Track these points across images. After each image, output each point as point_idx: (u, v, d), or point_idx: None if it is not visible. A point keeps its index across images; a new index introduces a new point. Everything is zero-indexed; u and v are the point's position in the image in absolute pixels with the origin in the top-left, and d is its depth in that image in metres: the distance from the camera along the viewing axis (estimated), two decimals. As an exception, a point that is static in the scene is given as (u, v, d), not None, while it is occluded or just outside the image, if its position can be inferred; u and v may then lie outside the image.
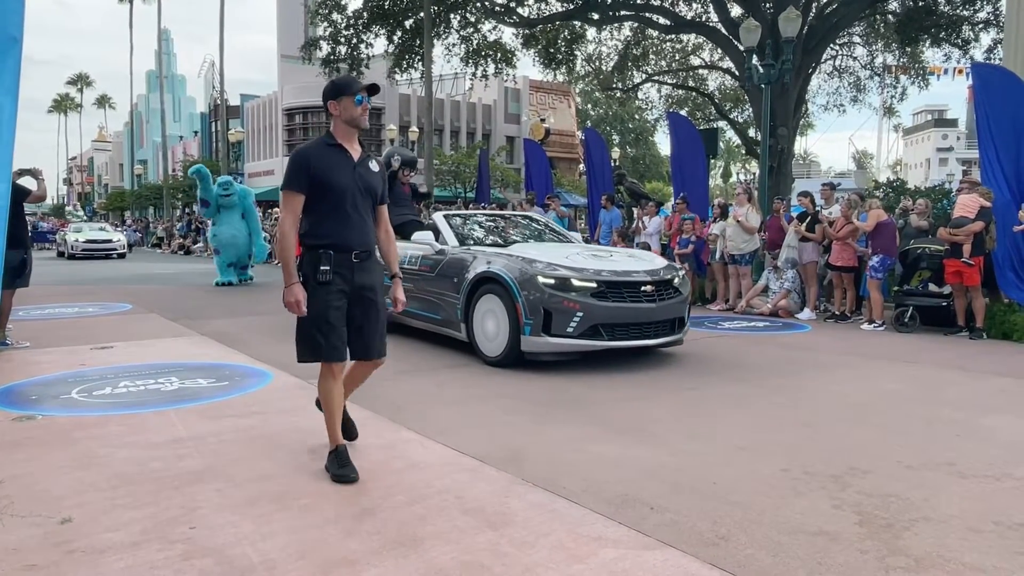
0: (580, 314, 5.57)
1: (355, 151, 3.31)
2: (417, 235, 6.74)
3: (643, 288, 5.86)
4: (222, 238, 13.24)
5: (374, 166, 3.37)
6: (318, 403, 3.71)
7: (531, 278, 5.65)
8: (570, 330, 5.59)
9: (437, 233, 6.85)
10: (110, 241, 24.84)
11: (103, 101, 78.34)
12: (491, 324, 5.91)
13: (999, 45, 18.19)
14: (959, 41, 20.24)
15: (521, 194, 23.50)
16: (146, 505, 2.93)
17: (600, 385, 5.22)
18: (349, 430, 3.68)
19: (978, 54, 19.77)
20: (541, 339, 5.58)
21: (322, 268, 3.17)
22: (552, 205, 13.39)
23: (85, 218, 35.96)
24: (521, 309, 5.60)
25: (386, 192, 3.45)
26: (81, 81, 77.30)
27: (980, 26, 19.65)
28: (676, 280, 6.23)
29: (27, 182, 6.67)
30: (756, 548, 2.60)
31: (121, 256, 24.41)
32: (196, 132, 55.80)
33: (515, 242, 6.96)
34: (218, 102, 38.52)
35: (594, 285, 5.68)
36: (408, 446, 3.77)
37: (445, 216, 7.39)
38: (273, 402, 4.68)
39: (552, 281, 5.63)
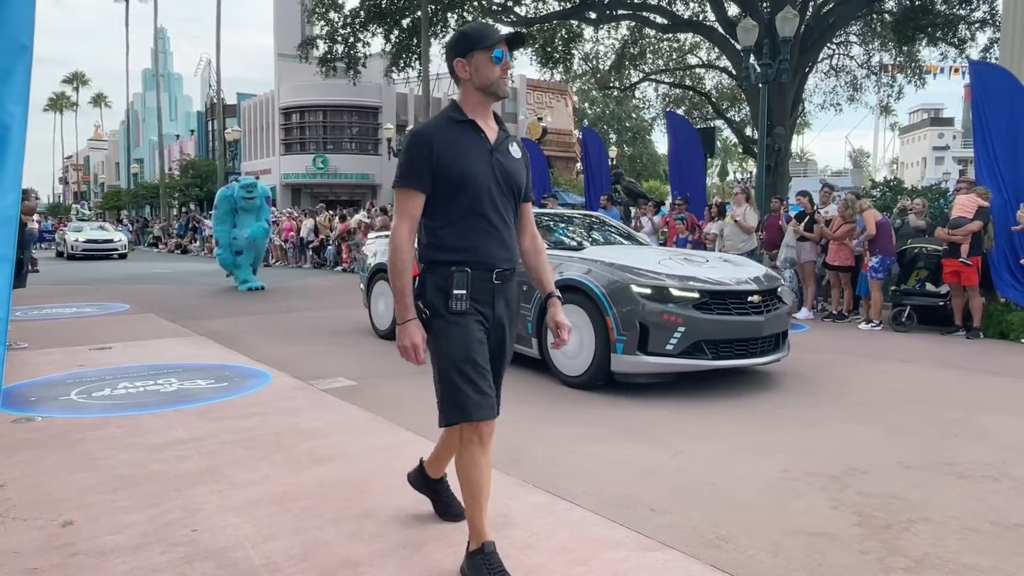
0: (682, 329, 4.85)
1: (491, 130, 2.42)
2: None
3: (750, 299, 5.16)
4: (245, 239, 12.71)
5: (515, 150, 2.47)
6: (414, 478, 2.90)
7: (624, 287, 4.96)
8: (670, 348, 4.88)
9: None
10: (111, 241, 24.33)
11: (99, 100, 78.11)
12: (572, 340, 4.93)
13: (995, 44, 18.24)
14: (955, 40, 20.29)
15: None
16: (147, 507, 2.93)
17: (599, 386, 5.22)
18: (449, 504, 2.84)
19: (974, 53, 19.82)
20: (636, 358, 4.88)
21: (456, 292, 2.30)
22: (549, 204, 13.40)
23: (91, 217, 35.38)
24: (612, 323, 4.92)
25: (530, 186, 2.57)
26: (77, 80, 77.05)
27: (976, 25, 19.70)
28: (779, 289, 5.67)
29: None
30: (756, 549, 2.61)
31: (122, 256, 23.93)
32: (193, 131, 55.70)
33: (586, 244, 6.27)
34: (215, 101, 38.42)
35: (696, 295, 4.98)
36: (409, 447, 3.76)
37: None
38: (273, 403, 4.68)
39: (649, 291, 4.93)
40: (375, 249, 7.88)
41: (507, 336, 2.46)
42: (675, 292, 4.96)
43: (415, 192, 2.32)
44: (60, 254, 24.54)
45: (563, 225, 6.96)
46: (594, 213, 8.40)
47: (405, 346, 2.29)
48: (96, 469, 3.39)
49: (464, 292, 2.31)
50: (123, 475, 3.31)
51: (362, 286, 8.07)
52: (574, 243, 6.34)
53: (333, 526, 2.77)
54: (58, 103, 77.89)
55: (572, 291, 5.19)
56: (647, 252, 6.00)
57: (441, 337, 2.31)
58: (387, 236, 7.91)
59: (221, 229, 12.85)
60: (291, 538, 2.66)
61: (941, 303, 8.22)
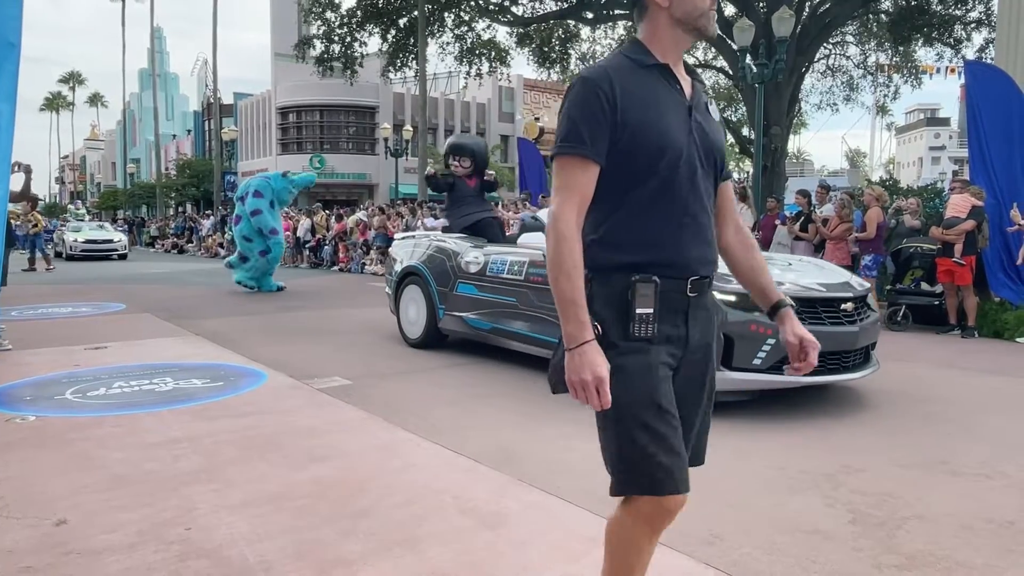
0: (772, 341, 4.28)
1: (685, 81, 1.72)
2: (526, 237, 5.69)
3: (843, 306, 4.66)
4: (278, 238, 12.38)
5: (714, 110, 1.81)
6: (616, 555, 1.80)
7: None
8: (757, 362, 4.33)
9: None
10: (111, 241, 23.70)
11: (95, 99, 78.00)
12: None
13: (991, 44, 18.28)
14: (951, 40, 20.34)
15: (515, 193, 23.51)
16: (142, 506, 2.93)
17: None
18: None
19: (970, 53, 19.87)
20: (719, 375, 4.06)
21: (640, 312, 1.61)
22: (546, 204, 13.40)
23: (84, 216, 35.03)
24: None
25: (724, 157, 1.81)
26: (73, 79, 76.94)
27: (972, 25, 19.75)
28: (868, 296, 5.16)
29: (13, 181, 6.59)
30: (751, 547, 2.62)
31: (122, 257, 23.31)
32: (189, 130, 55.67)
33: None
34: (211, 100, 38.39)
35: None
36: (404, 446, 3.77)
37: None
38: (268, 402, 4.67)
39: (733, 298, 4.31)
40: (404, 251, 7.30)
41: (708, 371, 1.75)
42: None
43: (588, 162, 1.59)
44: (59, 254, 23.88)
45: None
46: None
47: (584, 380, 1.56)
48: (91, 468, 3.39)
49: (651, 311, 1.61)
50: (118, 474, 3.30)
51: (388, 290, 7.49)
52: None
53: (328, 525, 2.77)
54: (54, 103, 77.74)
55: None
56: None
57: (616, 375, 1.59)
58: (414, 236, 7.52)
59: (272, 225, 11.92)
60: (286, 537, 2.66)
61: (936, 302, 8.25)
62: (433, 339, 6.60)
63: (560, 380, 1.64)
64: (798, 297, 4.39)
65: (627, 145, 1.60)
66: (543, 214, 6.12)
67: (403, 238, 7.76)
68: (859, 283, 5.17)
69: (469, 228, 6.88)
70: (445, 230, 7.30)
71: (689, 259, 1.66)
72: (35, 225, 17.24)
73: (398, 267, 7.15)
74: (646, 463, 1.61)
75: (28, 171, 6.83)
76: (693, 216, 1.66)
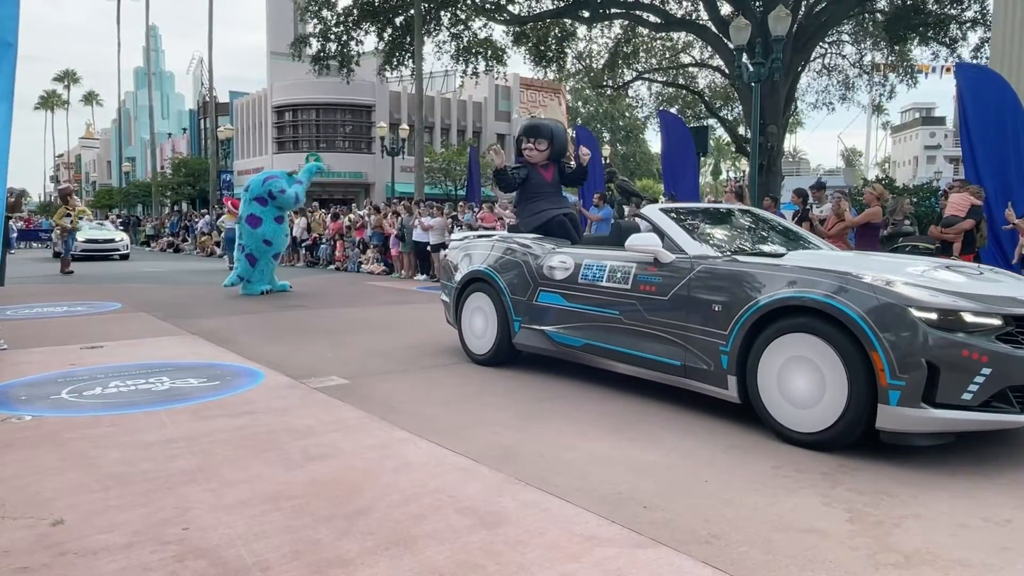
0: (987, 370, 3.42)
1: None
2: (636, 239, 4.71)
3: None
4: (281, 236, 12.13)
5: None
6: None
7: (898, 311, 3.50)
8: (968, 396, 3.44)
9: (661, 235, 4.73)
10: (112, 241, 22.97)
11: (90, 98, 77.77)
12: (801, 382, 3.78)
13: (986, 44, 18.33)
14: (947, 39, 20.42)
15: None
16: (138, 506, 2.92)
17: (591, 383, 5.22)
18: None
19: (965, 53, 19.95)
20: (921, 412, 3.44)
21: None
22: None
23: (88, 215, 34.71)
24: (882, 362, 3.47)
25: None
26: (68, 78, 76.71)
27: (967, 25, 19.82)
28: None
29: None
30: (748, 545, 2.62)
31: (124, 257, 22.65)
32: (185, 129, 55.52)
33: (781, 249, 4.77)
34: (207, 99, 38.34)
35: (998, 322, 3.53)
36: (401, 446, 3.77)
37: (665, 210, 5.12)
38: (265, 401, 4.66)
39: (934, 315, 3.49)
40: (465, 253, 6.27)
41: None
42: (971, 317, 3.50)
43: None
44: (57, 255, 23.55)
45: (730, 222, 5.53)
46: (744, 207, 6.87)
47: None
48: (87, 468, 3.38)
49: None
50: (114, 474, 3.29)
51: (445, 298, 6.52)
52: (770, 248, 4.86)
53: (325, 524, 2.76)
54: (49, 101, 77.54)
55: (808, 314, 3.78)
56: (881, 260, 4.62)
57: None
58: (475, 237, 6.72)
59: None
60: (283, 536, 2.65)
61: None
62: (505, 355, 5.76)
63: None
64: (1014, 316, 3.57)
65: None
66: (650, 211, 5.14)
67: (462, 239, 6.75)
68: None
69: (540, 228, 6.04)
70: (511, 230, 6.40)
71: None
72: (72, 222, 16.72)
73: (460, 272, 6.18)
74: None
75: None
76: None
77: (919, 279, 3.78)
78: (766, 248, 4.90)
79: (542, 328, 5.38)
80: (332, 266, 18.46)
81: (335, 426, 4.09)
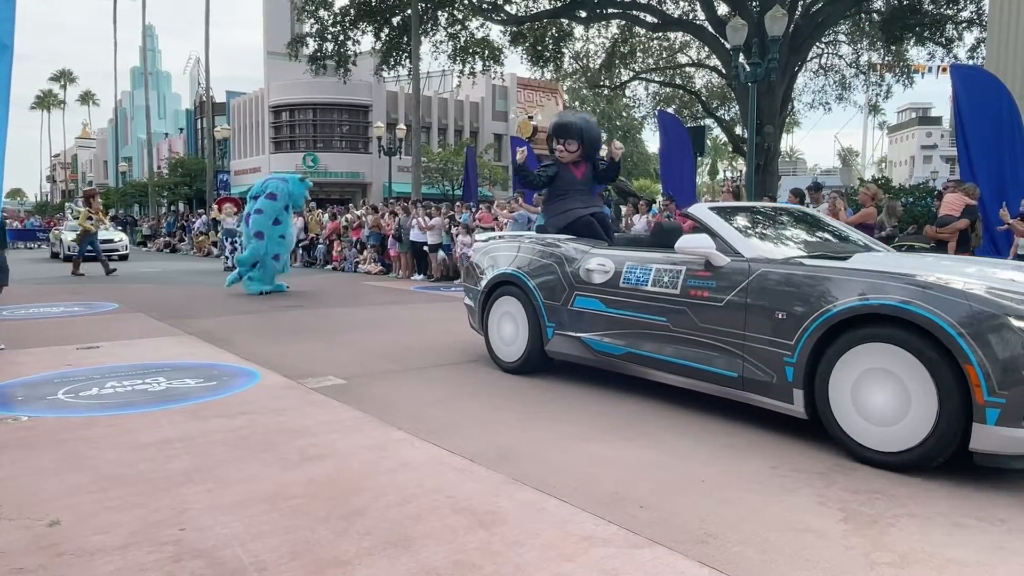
0: None
1: None
2: (685, 241, 4.37)
3: None
4: (289, 238, 12.09)
5: None
6: None
7: (995, 320, 3.18)
8: None
9: (712, 236, 4.40)
10: (111, 241, 22.13)
11: (87, 98, 77.60)
12: (880, 397, 3.47)
13: (982, 44, 18.38)
14: (943, 40, 20.47)
15: (509, 192, 23.51)
16: (135, 507, 2.92)
17: (588, 384, 5.23)
18: None
19: (962, 53, 20.01)
20: (1010, 431, 3.13)
21: None
22: (539, 203, 13.40)
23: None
24: (977, 377, 3.16)
25: None
26: (64, 77, 76.51)
27: (964, 25, 19.88)
28: None
29: None
30: (744, 545, 2.63)
31: (123, 258, 22.25)
32: (182, 129, 55.39)
33: (843, 252, 4.46)
34: (204, 99, 38.25)
35: None
36: (398, 446, 3.77)
37: (716, 209, 4.77)
38: (261, 402, 4.66)
39: None
40: (492, 254, 5.92)
41: None
42: None
43: None
44: (55, 255, 23.19)
45: (781, 223, 5.19)
46: (795, 207, 6.68)
47: None
48: (83, 469, 3.38)
49: None
50: (111, 475, 3.29)
51: (469, 302, 6.18)
52: (832, 251, 4.52)
53: (322, 525, 2.77)
54: (45, 101, 77.33)
55: (884, 323, 3.47)
56: (948, 261, 4.39)
57: None
58: (502, 237, 6.33)
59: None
60: (280, 537, 2.65)
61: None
62: (537, 363, 5.44)
63: None
64: None
65: None
66: (698, 210, 4.84)
67: (489, 239, 6.36)
68: None
69: (566, 228, 5.78)
70: (539, 230, 6.13)
71: None
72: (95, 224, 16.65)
73: (488, 275, 5.84)
74: None
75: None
76: None
77: (1011, 284, 3.46)
78: (827, 250, 4.53)
79: (579, 335, 5.06)
80: (329, 266, 18.45)
81: (332, 426, 4.09)
